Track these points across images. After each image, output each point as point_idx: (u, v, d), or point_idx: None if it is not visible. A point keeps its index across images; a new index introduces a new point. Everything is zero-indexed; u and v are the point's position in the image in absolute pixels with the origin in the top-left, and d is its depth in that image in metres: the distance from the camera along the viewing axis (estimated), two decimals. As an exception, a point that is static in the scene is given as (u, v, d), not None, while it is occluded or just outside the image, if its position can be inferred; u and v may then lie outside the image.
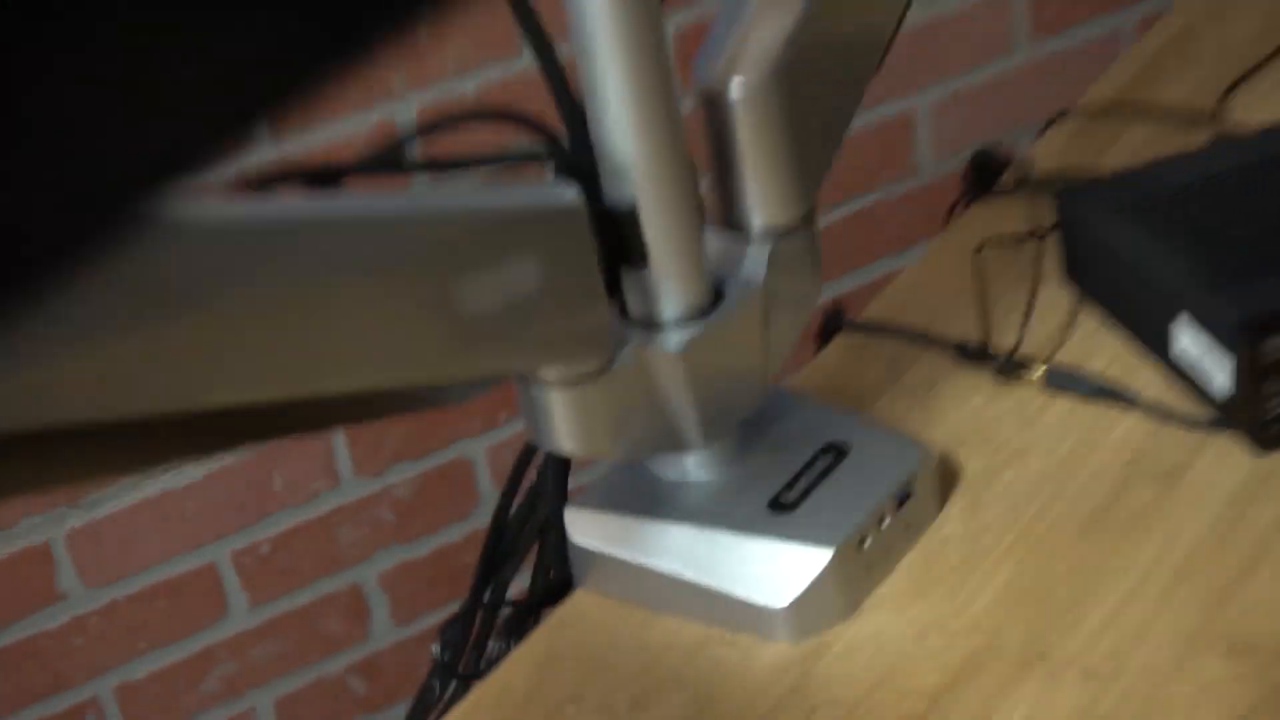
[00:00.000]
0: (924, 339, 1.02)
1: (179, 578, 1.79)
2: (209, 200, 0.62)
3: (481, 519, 1.91)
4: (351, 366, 0.69)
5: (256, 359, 0.64)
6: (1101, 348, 1.00)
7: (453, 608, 1.94)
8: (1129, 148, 1.15)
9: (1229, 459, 0.92)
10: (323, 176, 0.72)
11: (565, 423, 0.83)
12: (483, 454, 1.89)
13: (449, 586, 1.93)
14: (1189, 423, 0.94)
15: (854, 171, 1.97)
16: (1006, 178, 1.14)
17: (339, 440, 1.81)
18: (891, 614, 0.87)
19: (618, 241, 0.82)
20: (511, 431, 1.89)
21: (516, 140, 0.82)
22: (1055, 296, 1.05)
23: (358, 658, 1.92)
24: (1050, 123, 1.20)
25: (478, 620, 0.97)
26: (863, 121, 1.94)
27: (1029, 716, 0.80)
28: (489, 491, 1.90)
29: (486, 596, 1.00)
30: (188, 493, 1.76)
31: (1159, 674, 0.81)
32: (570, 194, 0.77)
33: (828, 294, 1.06)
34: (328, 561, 1.86)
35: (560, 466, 0.96)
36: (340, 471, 1.83)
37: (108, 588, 1.76)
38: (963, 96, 2.00)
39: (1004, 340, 1.01)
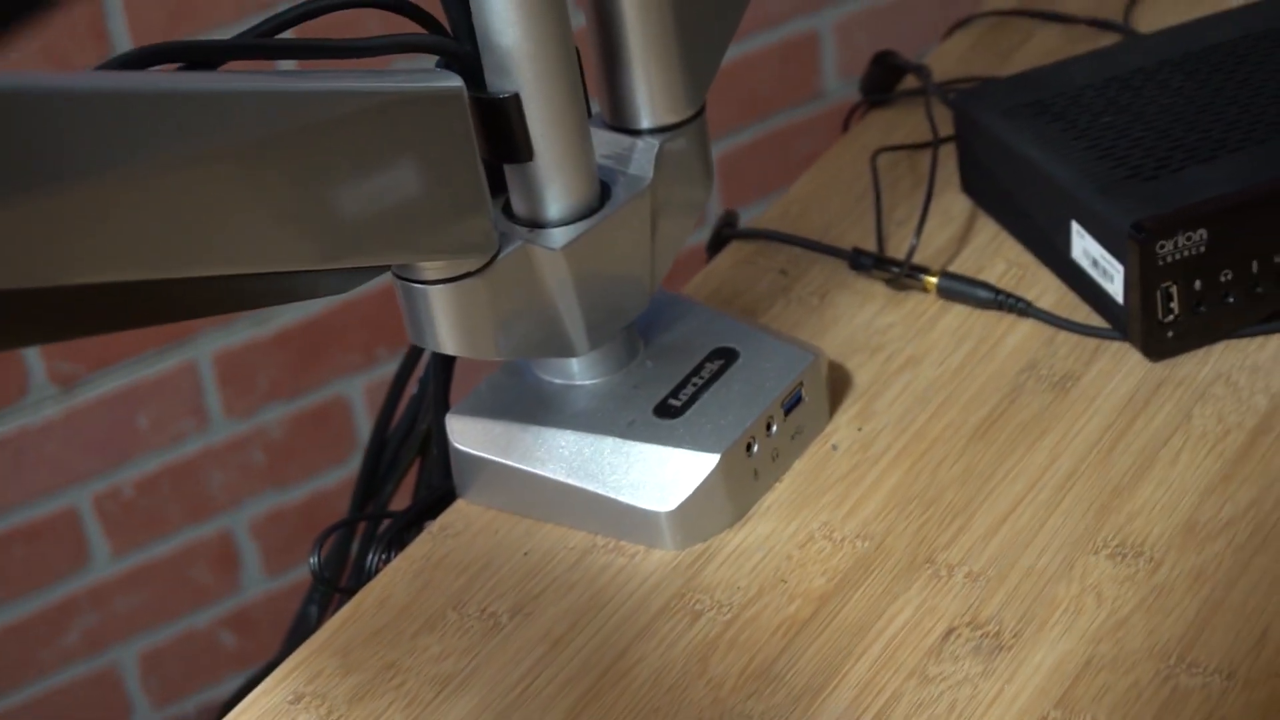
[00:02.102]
0: (817, 247, 1.09)
1: (36, 523, 1.82)
2: (75, 74, 0.67)
3: (358, 463, 1.95)
4: (224, 248, 0.74)
5: (124, 235, 0.69)
6: (997, 257, 1.07)
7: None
8: (1033, 54, 1.23)
9: (1121, 367, 0.99)
10: (200, 58, 0.77)
11: (447, 321, 0.88)
12: (360, 393, 1.94)
13: (325, 535, 1.98)
14: (1082, 331, 1.01)
15: (758, 94, 2.04)
16: (906, 83, 1.21)
17: (208, 378, 1.85)
18: (779, 520, 0.93)
19: (501, 135, 0.88)
20: (391, 369, 1.93)
21: (400, 30, 0.87)
22: (952, 205, 1.12)
23: (228, 610, 1.96)
24: (954, 28, 1.27)
25: (359, 532, 1.03)
26: (765, 43, 2.00)
27: (914, 619, 0.87)
28: (366, 433, 1.95)
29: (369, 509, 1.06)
30: (45, 432, 1.79)
31: (1044, 576, 0.88)
32: (451, 80, 0.83)
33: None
34: (196, 507, 1.90)
35: (443, 375, 1.02)
36: (209, 411, 1.87)
37: (-42, 531, 1.81)
38: (866, 15, 2.07)
39: (899, 249, 1.08)
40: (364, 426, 1.95)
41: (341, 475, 1.96)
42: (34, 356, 1.76)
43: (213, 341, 1.84)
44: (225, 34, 1.65)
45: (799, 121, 2.09)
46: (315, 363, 1.90)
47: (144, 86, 0.70)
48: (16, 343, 0.77)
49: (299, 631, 1.11)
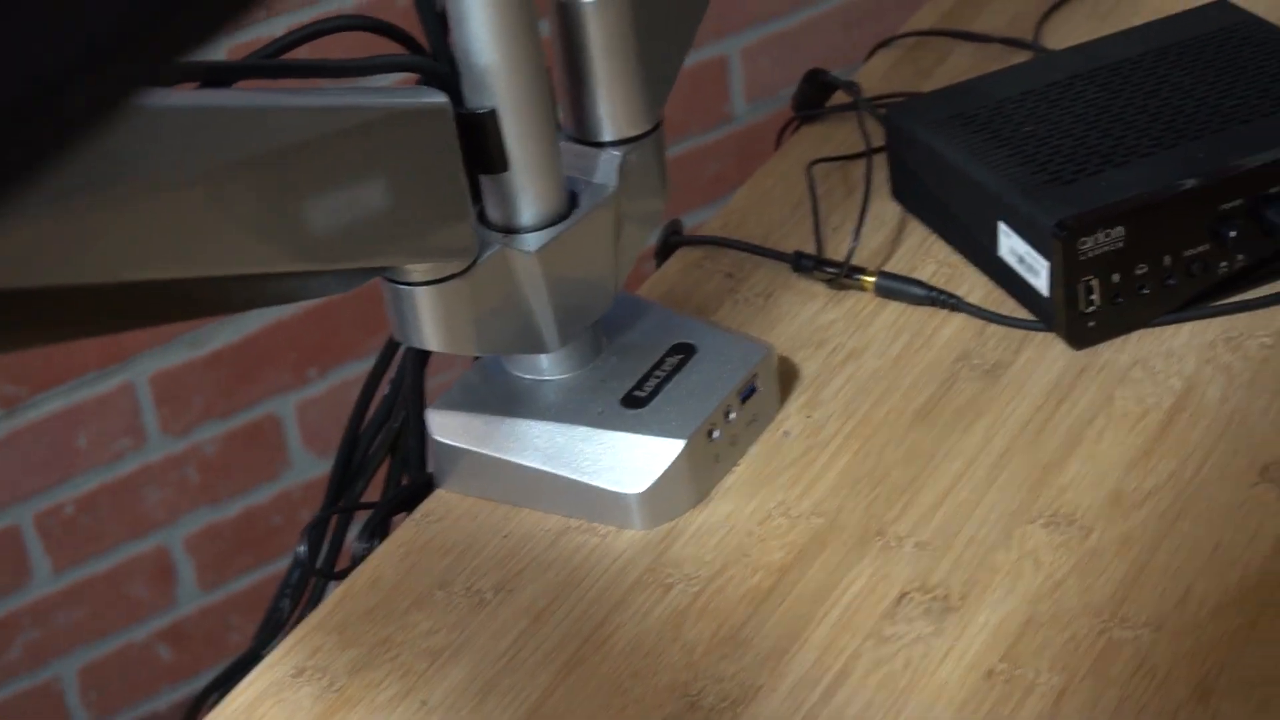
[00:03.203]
0: (761, 251, 1.16)
1: (-22, 542, 1.87)
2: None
3: (290, 479, 2.01)
4: (233, 253, 0.81)
5: (137, 239, 0.74)
6: (928, 257, 1.15)
7: (263, 572, 2.04)
8: (952, 72, 1.31)
9: (1047, 355, 1.07)
10: (216, 77, 0.84)
11: (431, 319, 0.95)
12: (292, 411, 1.98)
13: (257, 550, 2.02)
14: (1010, 324, 1.09)
15: (669, 119, 2.10)
16: (835, 99, 1.29)
17: (145, 397, 1.89)
18: (739, 500, 1.00)
19: (479, 148, 0.95)
20: (322, 388, 1.98)
21: (383, 51, 0.94)
22: (884, 211, 1.19)
23: (164, 624, 1.99)
24: (876, 49, 1.35)
25: (333, 524, 1.09)
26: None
27: (869, 585, 0.94)
28: (299, 451, 2.00)
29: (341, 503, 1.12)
30: (-12, 451, 1.83)
31: (985, 545, 0.96)
32: (438, 97, 0.90)
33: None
34: (133, 524, 1.93)
35: (417, 373, 1.08)
36: (147, 430, 1.91)
37: (-95, 549, 1.84)
38: (774, 40, 2.14)
39: (837, 252, 1.15)
40: (296, 444, 1.99)
41: (273, 491, 2.01)
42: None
43: (150, 362, 1.88)
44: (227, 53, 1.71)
45: (708, 144, 2.16)
46: (248, 382, 1.95)
47: (168, 103, 0.76)
48: (30, 341, 0.83)
49: (271, 624, 1.16)
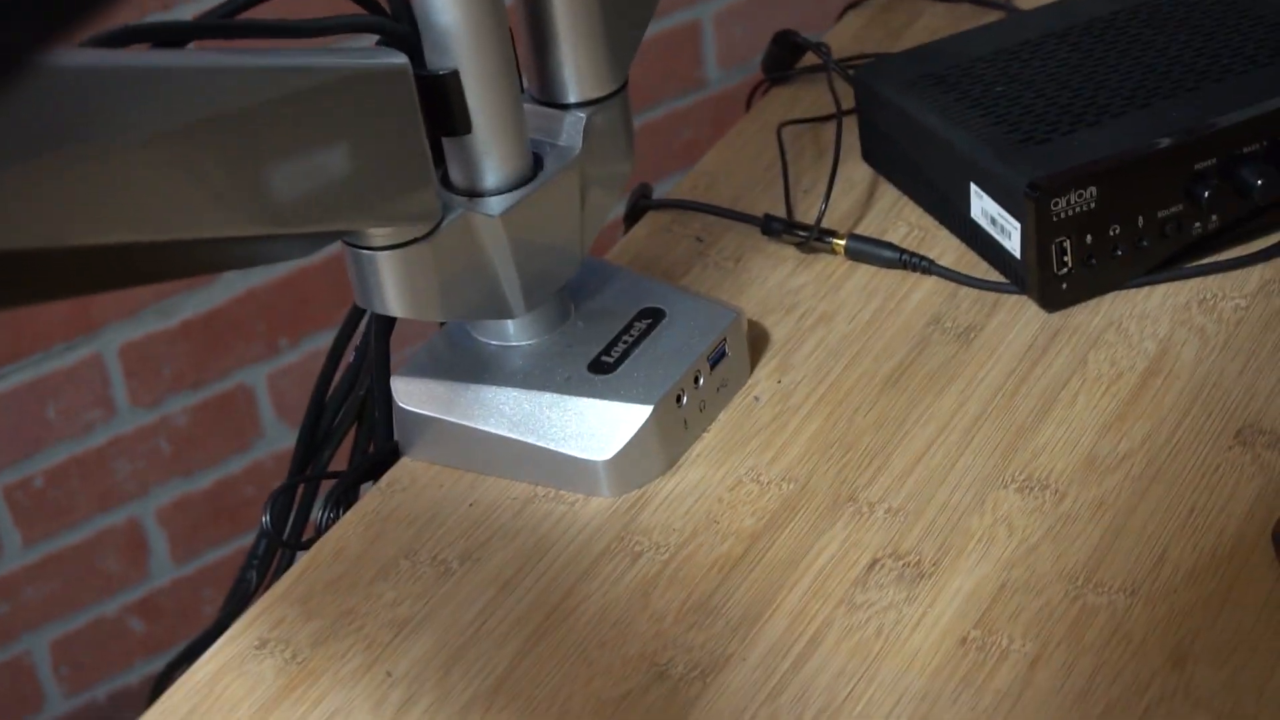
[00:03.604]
0: (730, 214, 1.15)
1: (-54, 515, 1.85)
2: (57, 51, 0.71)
3: (263, 450, 1.99)
4: (188, 216, 0.79)
5: (91, 203, 0.73)
6: (899, 220, 1.14)
7: (236, 544, 2.02)
8: (922, 32, 1.29)
9: (1020, 318, 1.05)
10: (169, 37, 0.82)
11: (394, 285, 0.93)
12: (264, 382, 1.97)
13: (230, 522, 2.01)
14: (982, 286, 1.07)
15: (642, 84, 2.09)
16: (805, 61, 1.27)
17: (114, 368, 1.88)
18: (709, 467, 0.99)
19: (441, 110, 0.93)
20: (293, 358, 1.97)
21: (342, 11, 0.92)
22: (854, 173, 1.18)
23: (136, 597, 1.98)
24: (846, 10, 1.33)
25: (299, 494, 1.07)
26: (649, 33, 2.05)
27: (840, 552, 0.93)
28: (271, 421, 1.98)
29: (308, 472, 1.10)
30: (-45, 424, 1.82)
31: (958, 510, 0.94)
32: (397, 58, 0.88)
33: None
34: (104, 496, 1.92)
35: (383, 340, 1.06)
36: (116, 401, 1.89)
37: (-126, 523, 1.82)
38: (745, 5, 2.13)
39: (807, 215, 1.14)
40: (268, 414, 1.98)
41: (246, 462, 1.99)
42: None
43: (118, 334, 1.86)
44: (181, 13, 1.69)
45: (681, 110, 2.14)
46: (218, 353, 1.93)
47: (108, 63, 0.74)
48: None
49: (238, 595, 1.15)
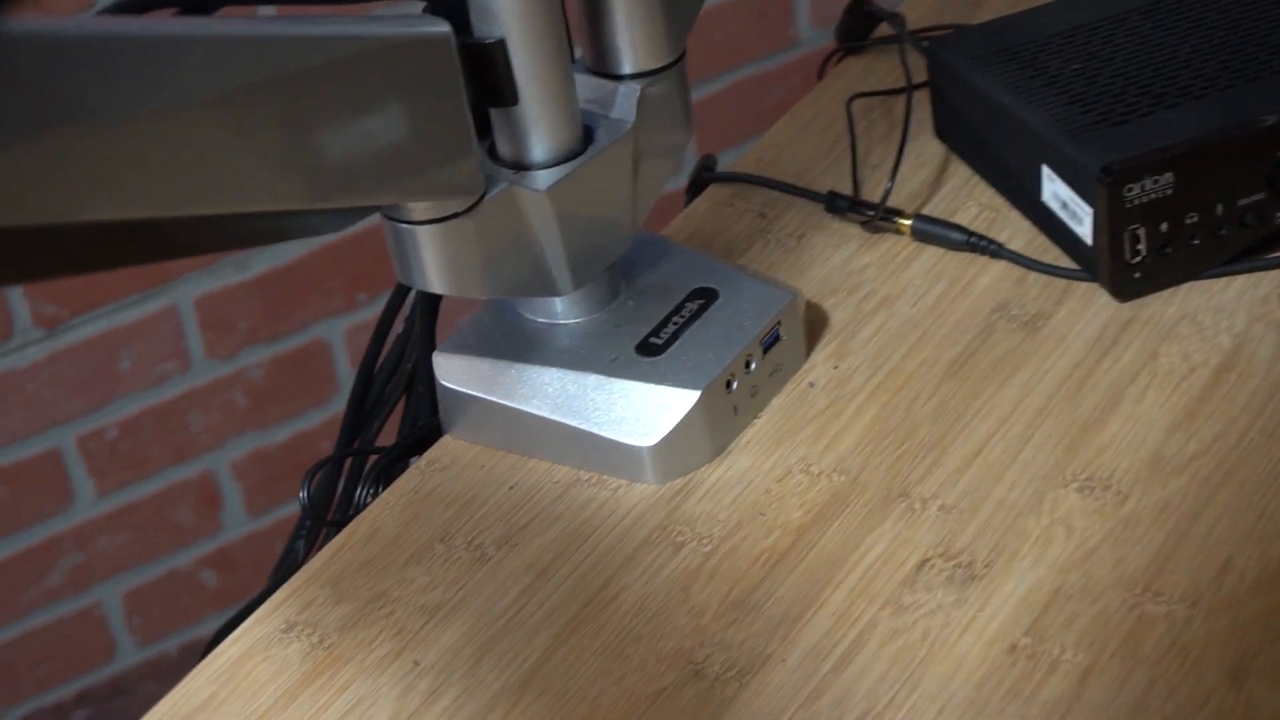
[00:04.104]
0: (794, 190, 1.11)
1: (20, 464, 1.84)
2: (78, 18, 0.69)
3: (339, 404, 1.97)
4: (219, 190, 0.76)
5: (123, 177, 0.70)
6: (969, 200, 1.09)
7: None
8: (1003, 3, 1.24)
9: (1090, 307, 1.01)
10: (194, 3, 0.79)
11: (435, 260, 0.90)
12: (341, 336, 1.95)
13: (306, 476, 1.99)
14: (1052, 272, 1.03)
15: (733, 43, 2.05)
16: (880, 31, 1.22)
17: (189, 320, 1.86)
18: (758, 455, 0.95)
19: (487, 79, 0.90)
20: (371, 313, 1.95)
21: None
22: (925, 149, 1.14)
23: (210, 550, 1.98)
24: (925, -22, 1.28)
25: (346, 468, 1.05)
26: (740, -10, 2.02)
27: (889, 550, 0.89)
28: (347, 376, 1.97)
29: (356, 445, 1.08)
30: (29, 373, 1.81)
31: (1014, 509, 0.90)
32: (439, 25, 0.84)
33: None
34: (178, 448, 1.92)
35: (429, 312, 1.03)
36: (191, 353, 1.88)
37: (-57, 473, 1.82)
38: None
39: (874, 193, 1.10)
40: (345, 369, 1.97)
41: (323, 417, 1.98)
42: (18, 299, 1.77)
43: (194, 285, 1.85)
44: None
45: (773, 70, 2.10)
46: (295, 306, 1.92)
47: (144, 32, 0.71)
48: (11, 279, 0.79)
49: (286, 566, 1.13)
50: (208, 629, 1.99)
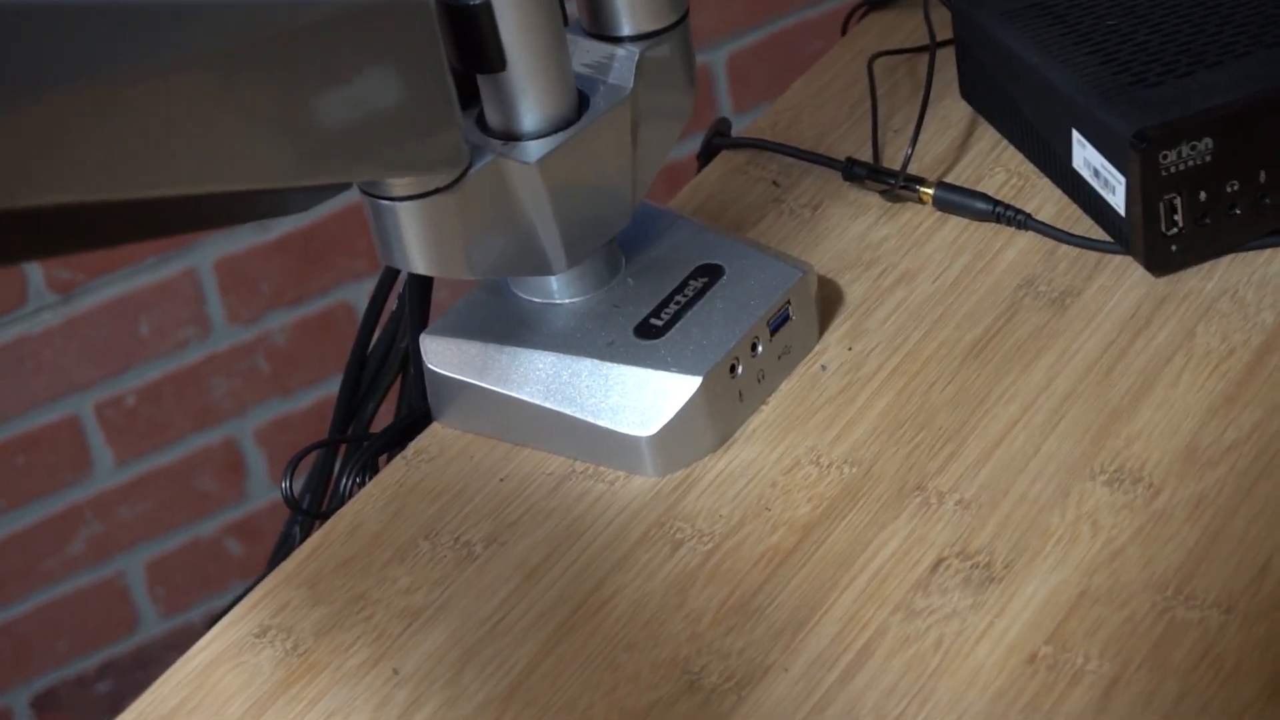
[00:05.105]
0: (810, 157, 1.05)
1: (38, 431, 1.81)
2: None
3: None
4: (186, 167, 0.71)
5: (88, 154, 0.65)
6: (996, 166, 1.03)
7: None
8: (1035, -44, 1.18)
9: (1123, 282, 0.95)
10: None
11: (416, 239, 0.85)
12: (366, 299, 1.90)
13: (333, 442, 1.95)
14: (1082, 244, 0.97)
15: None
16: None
17: (209, 285, 1.82)
18: (764, 445, 0.89)
19: (472, 44, 0.84)
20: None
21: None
22: (951, 112, 1.07)
23: (234, 518, 1.94)
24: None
25: (340, 456, 1.00)
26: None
27: (902, 549, 0.83)
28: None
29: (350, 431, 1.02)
30: (45, 338, 1.77)
31: (1038, 504, 0.84)
32: (417, -13, 0.78)
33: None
34: (199, 415, 1.88)
35: (419, 293, 0.98)
36: (212, 318, 1.84)
37: (-43, 441, 1.79)
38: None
39: (896, 158, 1.03)
40: (370, 333, 1.92)
41: (348, 381, 1.93)
42: (32, 263, 1.74)
43: (214, 248, 1.81)
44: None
45: (810, 20, 2.04)
46: (318, 269, 1.87)
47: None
48: None
49: (283, 552, 1.08)
50: (232, 598, 1.96)
